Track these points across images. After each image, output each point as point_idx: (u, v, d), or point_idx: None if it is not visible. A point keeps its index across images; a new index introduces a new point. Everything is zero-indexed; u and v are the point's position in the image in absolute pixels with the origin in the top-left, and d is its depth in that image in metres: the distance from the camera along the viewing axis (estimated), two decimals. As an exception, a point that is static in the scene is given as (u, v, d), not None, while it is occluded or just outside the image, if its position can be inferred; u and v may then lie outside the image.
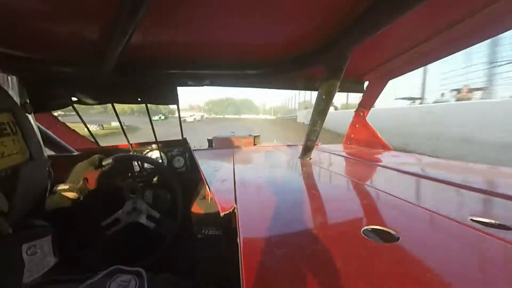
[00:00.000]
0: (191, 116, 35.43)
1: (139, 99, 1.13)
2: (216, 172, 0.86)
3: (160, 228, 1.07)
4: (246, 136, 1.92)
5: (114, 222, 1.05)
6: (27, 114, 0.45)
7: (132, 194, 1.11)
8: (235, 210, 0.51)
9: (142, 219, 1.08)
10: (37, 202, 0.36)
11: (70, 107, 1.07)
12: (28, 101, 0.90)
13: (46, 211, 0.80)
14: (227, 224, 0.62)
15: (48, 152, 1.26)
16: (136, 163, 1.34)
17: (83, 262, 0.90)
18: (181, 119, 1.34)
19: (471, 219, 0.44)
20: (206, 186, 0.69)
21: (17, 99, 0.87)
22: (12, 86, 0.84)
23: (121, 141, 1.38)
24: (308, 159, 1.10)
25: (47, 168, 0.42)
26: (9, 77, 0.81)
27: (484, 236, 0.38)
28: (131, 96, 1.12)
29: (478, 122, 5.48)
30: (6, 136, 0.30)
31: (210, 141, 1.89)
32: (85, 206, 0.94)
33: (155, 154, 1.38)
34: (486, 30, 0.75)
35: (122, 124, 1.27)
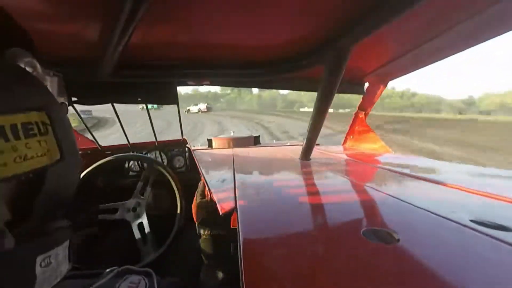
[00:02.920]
0: (194, 106, 32.14)
1: (139, 99, 1.13)
2: (216, 172, 0.86)
3: (141, 245, 1.07)
4: (247, 136, 1.92)
5: (111, 211, 1.06)
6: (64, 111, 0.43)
7: (141, 195, 1.13)
8: (235, 210, 0.50)
9: (133, 223, 1.09)
10: (64, 204, 0.34)
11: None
12: (65, 101, 0.90)
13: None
14: (229, 224, 0.63)
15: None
16: (136, 163, 1.34)
17: (86, 262, 0.91)
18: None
19: (470, 220, 0.44)
20: (206, 186, 0.69)
21: (57, 97, 0.87)
22: (53, 83, 0.83)
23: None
24: (308, 159, 1.10)
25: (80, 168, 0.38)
26: (50, 75, 0.80)
27: (484, 238, 0.38)
28: (131, 96, 1.12)
29: None
30: (32, 137, 0.28)
31: (210, 141, 1.89)
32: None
33: (154, 154, 1.38)
34: (488, 31, 0.75)
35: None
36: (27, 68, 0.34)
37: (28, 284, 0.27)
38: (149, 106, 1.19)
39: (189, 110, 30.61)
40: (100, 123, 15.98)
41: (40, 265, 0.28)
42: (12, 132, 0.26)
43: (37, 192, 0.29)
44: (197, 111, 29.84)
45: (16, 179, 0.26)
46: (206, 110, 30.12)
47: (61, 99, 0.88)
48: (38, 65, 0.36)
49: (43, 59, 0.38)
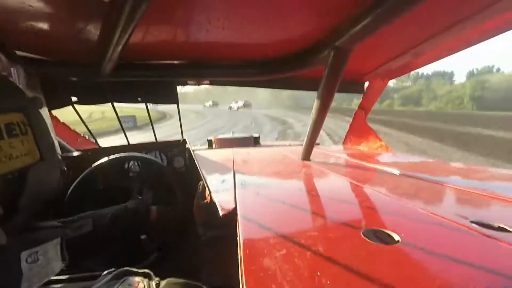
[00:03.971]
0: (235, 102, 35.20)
1: (139, 99, 1.13)
2: (216, 173, 0.86)
3: (140, 246, 1.04)
4: (246, 136, 1.92)
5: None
6: (41, 113, 0.43)
7: (139, 196, 1.12)
8: (236, 211, 0.50)
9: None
10: (48, 203, 0.35)
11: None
12: (40, 96, 0.88)
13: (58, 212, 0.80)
14: (229, 225, 0.63)
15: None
16: (136, 163, 1.34)
17: (84, 263, 0.91)
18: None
19: (471, 221, 0.44)
20: (207, 187, 0.69)
21: (30, 94, 0.87)
22: (25, 81, 0.81)
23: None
24: (308, 160, 1.10)
25: (61, 169, 0.39)
26: (20, 72, 0.79)
27: (484, 238, 0.38)
28: (131, 95, 1.12)
29: None
30: (14, 137, 0.28)
31: (209, 142, 1.89)
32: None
33: (154, 154, 1.38)
34: (485, 31, 0.75)
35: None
36: None
37: (15, 278, 0.27)
38: (207, 104, 1.18)
39: (231, 107, 33.90)
40: (166, 116, 22.05)
41: (26, 260, 0.28)
42: None
43: (22, 190, 0.29)
44: (236, 108, 33.11)
45: (2, 178, 0.27)
46: (243, 107, 33.38)
47: (35, 98, 0.87)
48: (4, 61, 0.36)
49: (15, 56, 0.39)
